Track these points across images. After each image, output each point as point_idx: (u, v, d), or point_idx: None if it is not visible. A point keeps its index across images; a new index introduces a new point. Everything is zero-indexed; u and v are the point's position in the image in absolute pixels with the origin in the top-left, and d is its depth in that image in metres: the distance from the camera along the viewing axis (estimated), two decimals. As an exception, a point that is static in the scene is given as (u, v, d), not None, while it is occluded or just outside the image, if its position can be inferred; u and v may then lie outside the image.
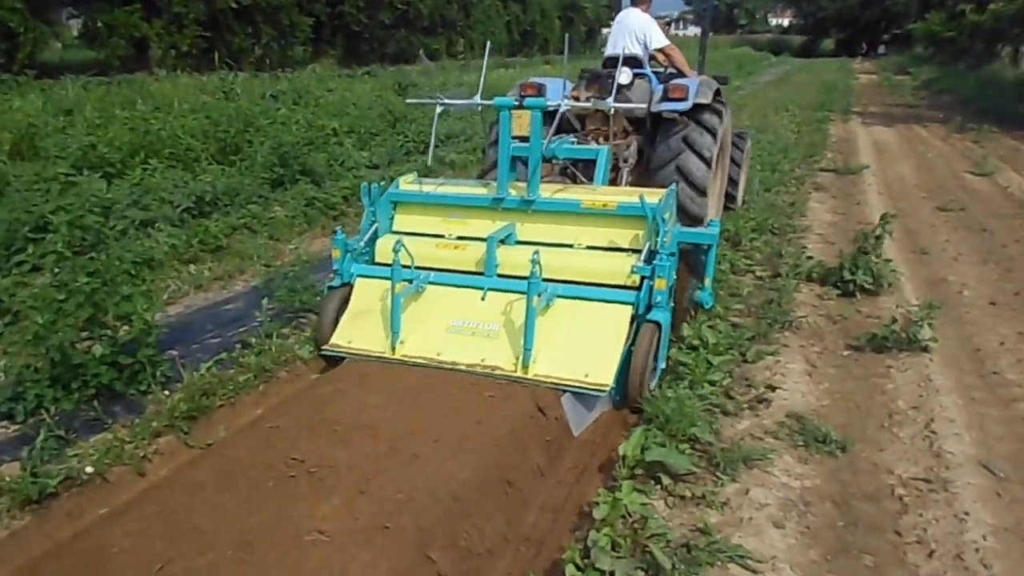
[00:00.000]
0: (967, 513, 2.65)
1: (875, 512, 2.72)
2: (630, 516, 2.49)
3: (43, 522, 2.71)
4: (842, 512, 2.73)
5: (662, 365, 3.76)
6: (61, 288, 3.46)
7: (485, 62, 4.73)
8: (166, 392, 3.53)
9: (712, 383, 3.61)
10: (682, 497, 2.79)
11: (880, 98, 22.86)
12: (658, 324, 3.53)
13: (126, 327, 3.59)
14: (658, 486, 2.84)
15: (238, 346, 4.05)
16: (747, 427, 3.33)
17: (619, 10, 5.82)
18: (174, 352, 3.96)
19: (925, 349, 4.11)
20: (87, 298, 3.48)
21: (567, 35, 5.04)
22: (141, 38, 20.30)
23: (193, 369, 3.66)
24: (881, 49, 54.82)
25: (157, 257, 4.97)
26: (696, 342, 4.01)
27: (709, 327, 4.19)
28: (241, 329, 4.33)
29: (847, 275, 5.16)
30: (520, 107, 4.00)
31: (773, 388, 3.61)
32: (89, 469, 2.93)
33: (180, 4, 19.96)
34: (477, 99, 4.39)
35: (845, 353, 4.21)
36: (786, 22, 76.98)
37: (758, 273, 5.49)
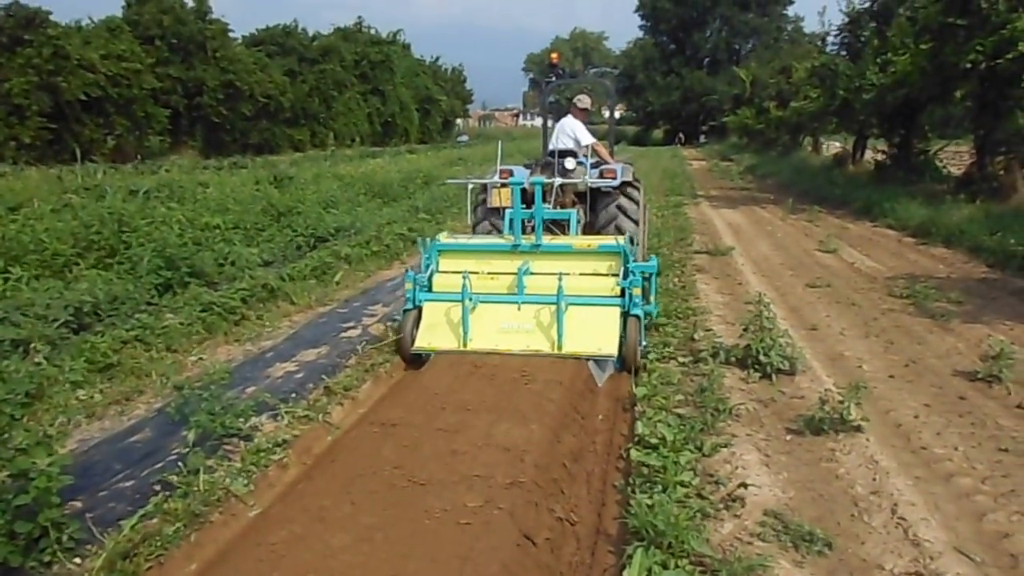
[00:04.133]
0: (971, 607, 2.73)
1: (888, 615, 2.74)
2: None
3: None
4: (858, 618, 2.71)
5: (644, 343, 5.60)
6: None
7: (500, 150, 6.96)
8: (76, 560, 2.93)
9: (683, 484, 3.58)
10: (702, 624, 2.67)
11: (715, 182, 25.21)
12: (638, 317, 5.49)
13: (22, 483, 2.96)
14: (673, 614, 2.70)
15: (157, 488, 3.48)
16: (732, 531, 3.30)
17: (544, 114, 8.72)
18: (77, 503, 3.34)
19: (858, 429, 4.34)
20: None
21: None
22: (-25, 130, 18.37)
23: (106, 529, 3.07)
24: (702, 138, 61.31)
25: (52, 390, 4.19)
26: (655, 440, 4.00)
27: (659, 421, 4.26)
28: (156, 465, 3.73)
29: (763, 358, 5.45)
30: (505, 184, 6.16)
31: (745, 486, 3.63)
32: None
33: (21, 96, 18.31)
34: (496, 179, 6.55)
35: (788, 438, 4.35)
36: (618, 114, 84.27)
37: (680, 360, 5.64)
